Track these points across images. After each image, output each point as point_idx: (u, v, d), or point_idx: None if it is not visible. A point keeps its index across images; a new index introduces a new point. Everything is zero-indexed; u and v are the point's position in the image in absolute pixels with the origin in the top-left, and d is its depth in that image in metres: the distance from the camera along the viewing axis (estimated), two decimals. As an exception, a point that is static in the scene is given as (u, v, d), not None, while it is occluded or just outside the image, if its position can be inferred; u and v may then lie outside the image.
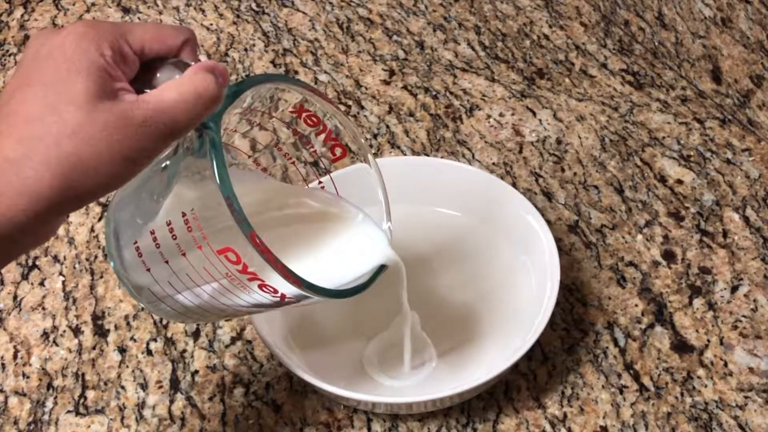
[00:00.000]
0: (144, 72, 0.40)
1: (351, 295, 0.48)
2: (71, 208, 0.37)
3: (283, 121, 0.50)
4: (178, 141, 0.41)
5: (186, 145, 0.42)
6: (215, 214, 0.41)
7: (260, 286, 0.44)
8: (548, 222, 0.62)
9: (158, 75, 0.40)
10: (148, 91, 0.38)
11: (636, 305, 0.63)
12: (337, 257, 0.50)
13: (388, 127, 0.78)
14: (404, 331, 0.56)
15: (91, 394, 0.61)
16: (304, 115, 0.50)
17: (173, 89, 0.37)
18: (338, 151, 0.52)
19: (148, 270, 0.45)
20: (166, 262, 0.44)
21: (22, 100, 0.35)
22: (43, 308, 0.66)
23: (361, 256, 0.50)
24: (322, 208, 0.52)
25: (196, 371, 0.61)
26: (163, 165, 0.44)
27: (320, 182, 0.53)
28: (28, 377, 0.62)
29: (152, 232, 0.44)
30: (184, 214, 0.42)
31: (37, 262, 0.69)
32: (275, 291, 0.44)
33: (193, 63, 0.40)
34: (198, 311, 0.47)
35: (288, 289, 0.44)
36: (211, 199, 0.41)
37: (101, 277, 0.68)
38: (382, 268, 0.50)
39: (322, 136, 0.51)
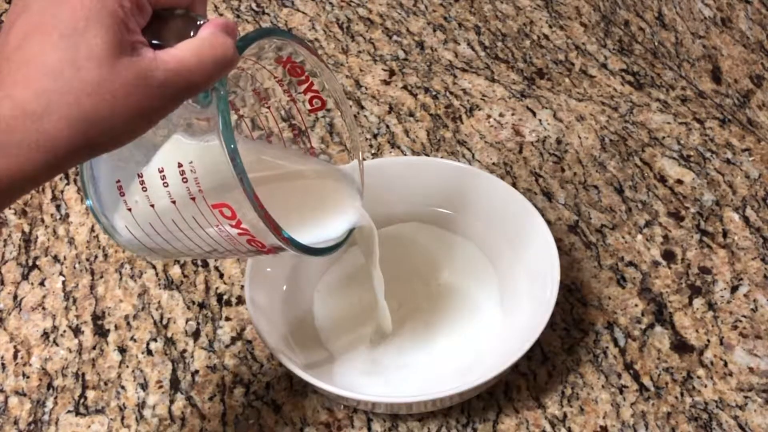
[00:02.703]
0: (152, 21, 0.39)
1: (330, 252, 0.51)
2: (81, 161, 0.37)
3: (268, 70, 0.51)
4: None
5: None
6: (214, 169, 0.42)
7: (249, 241, 0.45)
8: (548, 222, 0.62)
9: (169, 26, 0.39)
10: (157, 42, 0.38)
11: (636, 305, 0.63)
12: (317, 216, 0.53)
13: (388, 127, 0.78)
14: (378, 295, 0.58)
15: (91, 394, 0.61)
16: (288, 65, 0.50)
17: (193, 52, 0.37)
18: (317, 102, 0.53)
19: (129, 210, 0.45)
20: (152, 206, 0.44)
21: (38, 50, 0.34)
22: (43, 308, 0.66)
23: (338, 215, 0.53)
24: (304, 167, 0.54)
25: (196, 371, 0.61)
26: None
27: (296, 133, 0.54)
28: (28, 377, 0.62)
29: (140, 175, 0.44)
30: (180, 165, 0.42)
31: (37, 262, 0.69)
32: (263, 246, 0.45)
33: (202, 18, 0.40)
34: (173, 251, 0.48)
35: (276, 245, 0.45)
36: (212, 154, 0.41)
37: (101, 277, 0.68)
38: (352, 231, 0.53)
39: (304, 86, 0.52)
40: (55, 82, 0.34)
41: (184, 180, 0.42)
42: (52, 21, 0.35)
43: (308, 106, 0.53)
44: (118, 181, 0.45)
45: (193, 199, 0.43)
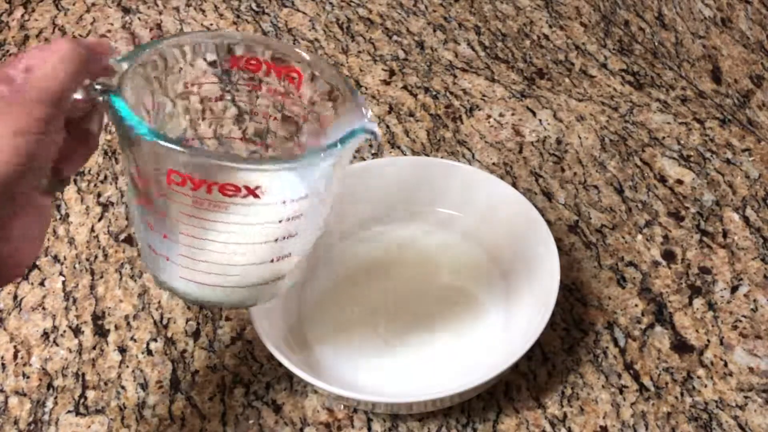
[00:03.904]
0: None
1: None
2: (29, 182, 0.39)
3: (236, 83, 0.49)
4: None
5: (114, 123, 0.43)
6: (143, 153, 0.42)
7: (221, 190, 0.42)
8: (548, 222, 0.62)
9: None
10: None
11: (636, 305, 0.63)
12: None
13: (388, 127, 0.78)
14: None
15: (91, 394, 0.61)
16: (242, 62, 0.48)
17: (37, 62, 0.39)
18: (294, 75, 0.48)
19: (168, 260, 0.47)
20: (165, 237, 0.46)
21: None
22: (43, 308, 0.66)
23: None
24: None
25: (196, 371, 0.61)
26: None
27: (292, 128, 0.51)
28: (28, 377, 0.62)
29: (139, 206, 0.46)
30: (131, 175, 0.44)
31: (37, 262, 0.69)
32: (237, 188, 0.42)
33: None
34: (221, 284, 0.48)
35: (246, 177, 0.43)
36: (134, 144, 0.42)
37: (101, 277, 0.68)
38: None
39: (273, 73, 0.48)
40: None
41: (144, 183, 0.44)
42: None
43: (292, 87, 0.48)
44: (150, 246, 0.47)
45: (163, 195, 0.43)
